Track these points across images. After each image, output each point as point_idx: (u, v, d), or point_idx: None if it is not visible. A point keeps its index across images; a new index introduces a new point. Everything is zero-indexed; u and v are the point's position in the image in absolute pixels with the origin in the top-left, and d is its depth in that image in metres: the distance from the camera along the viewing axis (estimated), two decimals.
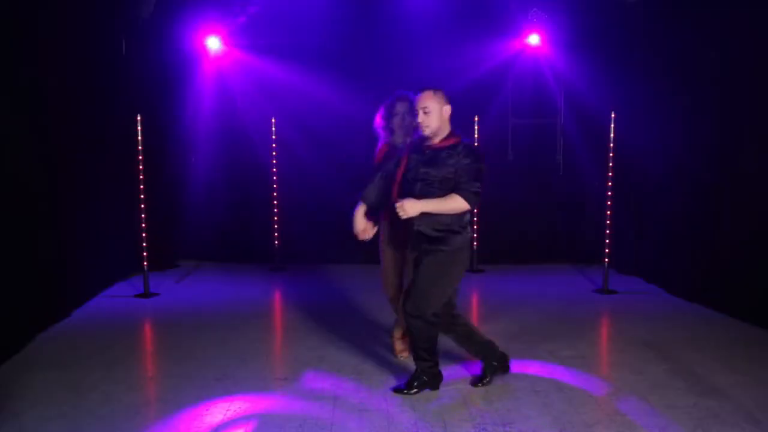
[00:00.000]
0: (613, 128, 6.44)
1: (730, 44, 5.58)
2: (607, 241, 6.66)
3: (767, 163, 5.23)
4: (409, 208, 3.72)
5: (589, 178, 7.63)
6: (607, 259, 6.65)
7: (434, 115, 3.81)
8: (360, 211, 4.07)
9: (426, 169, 3.81)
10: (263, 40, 7.55)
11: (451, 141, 3.84)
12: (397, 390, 4.00)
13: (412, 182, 3.87)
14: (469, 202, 3.73)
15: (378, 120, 4.48)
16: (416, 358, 4.00)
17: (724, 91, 5.68)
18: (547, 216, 7.95)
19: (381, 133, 4.48)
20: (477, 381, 4.12)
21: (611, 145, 6.46)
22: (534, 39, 7.51)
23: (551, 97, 7.86)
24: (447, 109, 3.86)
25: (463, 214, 3.82)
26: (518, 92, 7.80)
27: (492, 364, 4.13)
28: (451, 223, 3.80)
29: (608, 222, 6.68)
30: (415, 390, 3.96)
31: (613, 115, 6.43)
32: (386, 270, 4.46)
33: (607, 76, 7.18)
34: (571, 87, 7.65)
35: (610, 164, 6.51)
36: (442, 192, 3.78)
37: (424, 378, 3.99)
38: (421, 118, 3.85)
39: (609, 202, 6.65)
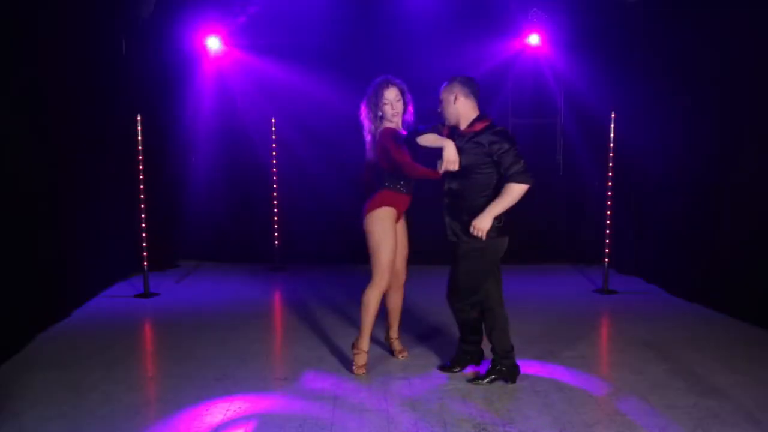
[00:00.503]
0: (613, 128, 6.43)
1: (730, 44, 5.58)
2: (607, 241, 6.66)
3: (767, 163, 5.23)
4: (482, 224, 3.81)
5: (589, 178, 7.63)
6: (607, 259, 6.65)
7: (446, 107, 3.96)
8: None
9: (461, 159, 3.90)
10: (263, 40, 7.55)
11: (476, 128, 3.90)
12: (473, 380, 4.09)
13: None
14: (524, 182, 3.79)
15: (364, 110, 4.26)
16: (496, 351, 4.07)
17: (724, 91, 5.68)
18: (547, 216, 7.94)
19: (367, 123, 4.25)
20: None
21: (611, 145, 6.46)
22: (534, 39, 7.51)
23: (551, 97, 7.86)
24: (460, 98, 3.92)
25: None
26: (518, 92, 7.80)
27: (501, 368, 4.12)
28: (477, 214, 3.85)
29: (608, 222, 6.68)
30: (494, 377, 4.07)
31: (613, 115, 6.43)
32: (390, 257, 4.18)
33: (607, 76, 7.19)
34: (571, 87, 7.65)
35: (610, 164, 6.50)
36: (466, 180, 3.87)
37: (502, 369, 4.07)
38: (440, 109, 4.01)
39: (609, 202, 6.65)
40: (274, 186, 7.59)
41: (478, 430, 3.46)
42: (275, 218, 7.63)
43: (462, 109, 3.94)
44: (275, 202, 7.62)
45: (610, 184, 6.57)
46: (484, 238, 3.83)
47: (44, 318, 5.16)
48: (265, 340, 5.19)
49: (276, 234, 7.64)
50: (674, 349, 4.75)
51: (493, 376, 4.10)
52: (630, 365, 4.44)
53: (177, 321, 5.55)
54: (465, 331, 4.25)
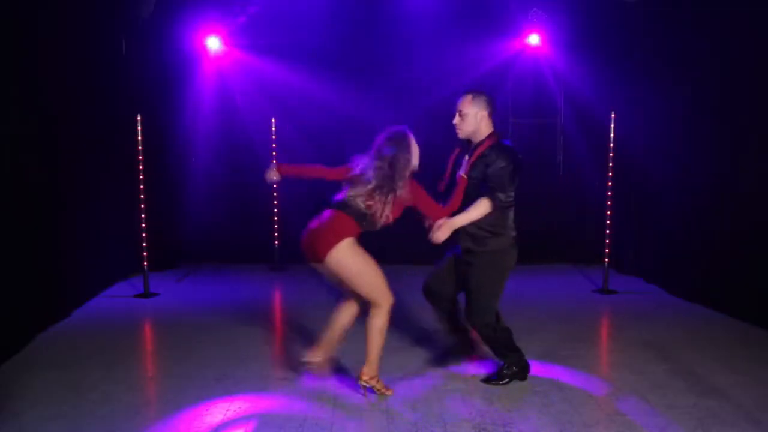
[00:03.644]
0: (613, 128, 6.44)
1: (730, 44, 5.58)
2: (607, 241, 6.66)
3: (767, 163, 5.23)
4: (442, 234, 3.85)
5: (589, 178, 7.63)
6: (607, 259, 6.65)
7: (471, 121, 3.95)
8: None
9: (470, 173, 3.93)
10: (263, 40, 7.55)
11: (487, 144, 3.92)
12: (487, 380, 4.11)
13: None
14: (492, 201, 3.85)
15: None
16: (503, 357, 4.12)
17: (724, 91, 5.68)
18: (547, 216, 7.94)
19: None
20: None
21: (611, 145, 6.47)
22: (534, 39, 7.51)
23: (551, 97, 7.87)
24: (483, 115, 3.95)
25: (506, 216, 4.00)
26: (518, 92, 7.80)
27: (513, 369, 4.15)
28: (495, 224, 3.95)
29: (608, 222, 6.68)
30: (506, 380, 4.08)
31: (613, 115, 6.43)
32: (381, 275, 3.88)
33: (607, 76, 7.19)
34: (571, 87, 7.66)
35: (610, 164, 6.51)
36: (475, 194, 3.90)
37: (514, 368, 4.10)
38: (456, 120, 4.01)
39: (609, 202, 6.65)
40: (274, 186, 7.59)
41: (478, 430, 3.46)
42: (275, 218, 7.63)
43: (484, 126, 3.96)
44: (275, 202, 7.62)
45: (610, 184, 6.57)
46: (440, 240, 3.87)
47: (44, 318, 5.16)
48: (265, 340, 5.19)
49: (276, 234, 7.64)
50: (674, 349, 4.75)
51: (507, 380, 4.12)
52: (630, 365, 4.44)
53: (177, 321, 5.55)
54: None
